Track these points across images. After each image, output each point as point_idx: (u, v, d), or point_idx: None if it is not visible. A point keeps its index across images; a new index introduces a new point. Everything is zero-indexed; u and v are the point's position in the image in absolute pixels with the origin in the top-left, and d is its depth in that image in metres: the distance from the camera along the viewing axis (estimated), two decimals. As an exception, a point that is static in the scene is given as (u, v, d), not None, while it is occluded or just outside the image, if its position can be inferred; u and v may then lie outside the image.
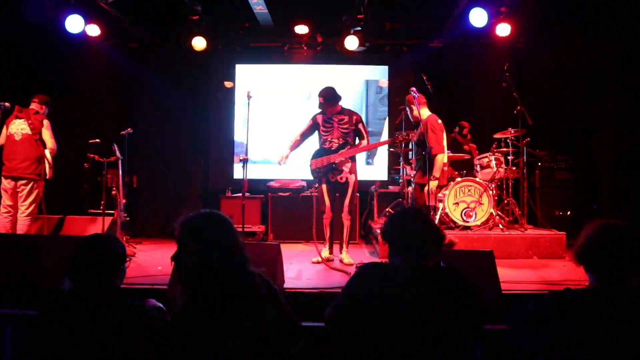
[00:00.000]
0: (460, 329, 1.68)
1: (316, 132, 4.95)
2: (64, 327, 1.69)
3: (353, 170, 4.84)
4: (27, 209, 4.73)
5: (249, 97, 4.37)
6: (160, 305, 1.89)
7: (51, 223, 5.44)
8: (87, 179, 5.87)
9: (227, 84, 7.37)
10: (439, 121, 4.68)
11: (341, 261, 4.65)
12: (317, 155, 4.92)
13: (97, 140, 5.63)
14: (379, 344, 1.67)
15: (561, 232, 5.08)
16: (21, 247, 3.14)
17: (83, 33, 6.22)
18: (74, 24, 5.79)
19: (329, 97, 4.80)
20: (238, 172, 7.37)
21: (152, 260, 4.76)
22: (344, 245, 4.77)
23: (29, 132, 4.80)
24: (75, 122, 6.71)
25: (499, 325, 2.05)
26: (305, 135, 4.98)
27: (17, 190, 4.73)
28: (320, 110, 4.93)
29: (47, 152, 4.89)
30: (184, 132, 7.25)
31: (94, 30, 6.35)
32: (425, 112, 4.76)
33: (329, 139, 4.81)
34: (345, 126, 4.79)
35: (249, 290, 1.63)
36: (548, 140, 6.44)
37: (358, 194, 5.79)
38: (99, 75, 6.98)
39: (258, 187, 6.99)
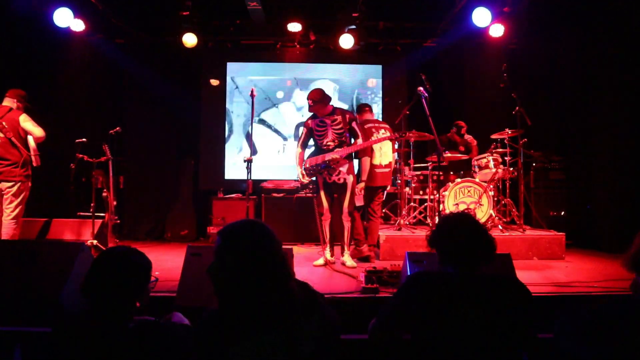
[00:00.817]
0: (518, 339, 1.61)
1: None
2: (79, 351, 1.51)
3: (351, 171, 4.74)
4: (12, 211, 4.48)
5: (252, 95, 4.22)
6: (187, 322, 1.75)
7: (36, 226, 5.19)
8: (73, 180, 5.62)
9: (213, 82, 7.24)
10: (366, 126, 5.01)
11: (343, 264, 4.55)
12: (312, 155, 4.82)
13: (84, 139, 5.39)
14: (434, 356, 1.58)
15: (560, 233, 5.09)
16: (15, 254, 2.93)
17: (67, 28, 5.98)
18: (62, 17, 5.53)
19: (317, 99, 4.67)
20: (229, 173, 7.21)
21: (146, 265, 4.56)
22: (346, 248, 4.67)
23: (4, 135, 4.52)
24: (60, 121, 6.43)
25: (544, 334, 1.98)
26: (305, 144, 4.86)
27: (2, 193, 4.47)
28: (311, 114, 4.83)
29: (30, 139, 4.61)
30: (173, 131, 7.04)
31: (78, 25, 6.09)
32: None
33: (325, 142, 4.69)
34: (339, 126, 4.69)
35: (288, 309, 1.50)
36: (542, 140, 6.47)
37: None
38: (84, 73, 6.71)
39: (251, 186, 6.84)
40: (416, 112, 5.59)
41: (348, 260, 4.57)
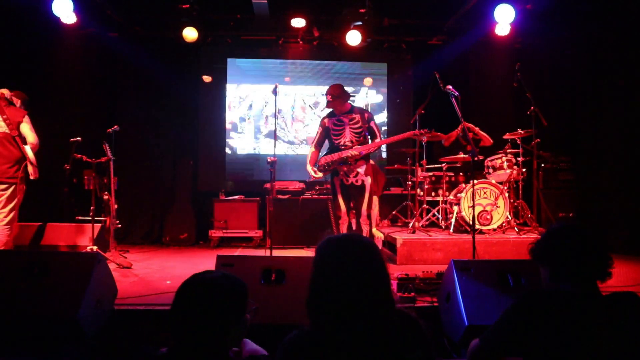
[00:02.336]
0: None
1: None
2: None
3: (369, 172, 4.56)
4: (6, 216, 4.14)
5: (275, 92, 3.98)
6: (263, 351, 1.51)
7: (29, 231, 4.84)
8: (67, 181, 5.27)
9: (206, 78, 6.96)
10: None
11: (362, 270, 4.35)
12: (328, 153, 4.61)
13: (79, 138, 5.06)
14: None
15: (578, 235, 4.99)
16: (23, 265, 2.63)
17: (57, 20, 5.63)
18: (62, 8, 5.21)
19: (337, 94, 4.49)
20: (231, 174, 6.95)
21: (153, 273, 4.29)
22: (364, 253, 4.47)
23: (6, 130, 4.20)
24: (51, 119, 6.05)
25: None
26: (319, 144, 4.68)
27: (-4, 195, 4.13)
28: (326, 113, 4.65)
29: (27, 149, 4.29)
30: (170, 129, 6.72)
31: (70, 18, 5.73)
32: None
33: (342, 142, 4.51)
34: (358, 125, 4.51)
35: (389, 339, 1.30)
36: (550, 140, 6.38)
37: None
38: (75, 69, 6.30)
39: (253, 188, 6.60)
40: (430, 112, 5.44)
41: (368, 265, 4.37)
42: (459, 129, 6.24)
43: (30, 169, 4.28)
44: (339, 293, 1.28)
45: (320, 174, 4.56)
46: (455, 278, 2.71)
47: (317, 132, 4.67)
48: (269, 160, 3.92)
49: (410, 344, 1.32)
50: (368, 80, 7.36)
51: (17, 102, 4.39)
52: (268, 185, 6.29)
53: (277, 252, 4.93)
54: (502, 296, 2.63)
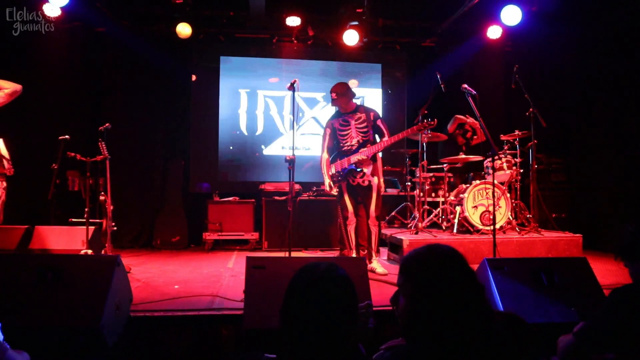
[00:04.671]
0: None
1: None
2: None
3: (376, 173, 4.50)
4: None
5: (293, 88, 3.85)
6: None
7: (16, 235, 4.54)
8: (55, 181, 4.98)
9: (194, 78, 6.76)
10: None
11: (373, 271, 4.27)
12: (337, 158, 4.50)
13: (67, 136, 4.80)
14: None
15: (577, 235, 5.08)
16: (35, 271, 2.42)
17: (41, 13, 5.35)
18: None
19: (342, 92, 4.43)
20: (225, 173, 6.76)
21: (156, 277, 4.09)
22: (374, 254, 4.41)
23: None
24: (36, 116, 5.75)
25: None
26: (331, 148, 4.56)
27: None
28: (332, 115, 4.57)
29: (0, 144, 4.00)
30: (161, 128, 6.49)
31: (52, 11, 5.46)
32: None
33: (349, 143, 4.43)
34: (364, 124, 4.44)
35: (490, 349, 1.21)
36: (542, 142, 6.49)
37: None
38: (59, 64, 5.99)
39: (248, 189, 6.44)
40: (432, 112, 5.42)
41: (378, 267, 4.30)
42: (454, 123, 6.22)
43: (4, 164, 3.97)
44: (426, 307, 1.19)
45: (335, 190, 4.49)
46: (491, 277, 2.66)
47: (326, 135, 4.56)
48: (287, 158, 3.78)
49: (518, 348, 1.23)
50: (353, 82, 7.30)
51: None
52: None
53: (275, 254, 4.80)
54: (538, 295, 2.60)
